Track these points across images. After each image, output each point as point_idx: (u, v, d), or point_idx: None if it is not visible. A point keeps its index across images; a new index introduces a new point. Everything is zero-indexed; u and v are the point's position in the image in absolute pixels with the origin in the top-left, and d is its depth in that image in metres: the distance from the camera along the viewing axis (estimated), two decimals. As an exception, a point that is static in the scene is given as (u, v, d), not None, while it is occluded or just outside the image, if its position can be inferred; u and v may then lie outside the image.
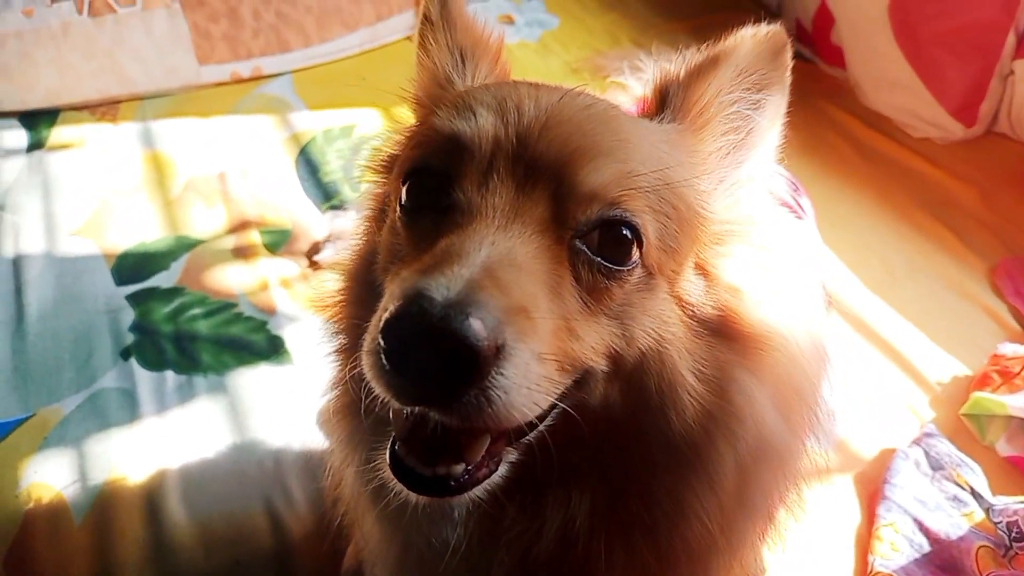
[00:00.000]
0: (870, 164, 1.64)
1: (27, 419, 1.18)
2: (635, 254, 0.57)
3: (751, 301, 0.63)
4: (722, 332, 0.62)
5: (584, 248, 0.57)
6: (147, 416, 1.18)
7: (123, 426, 1.17)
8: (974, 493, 1.04)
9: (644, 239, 0.58)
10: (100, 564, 1.02)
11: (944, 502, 1.04)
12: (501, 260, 0.52)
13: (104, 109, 1.77)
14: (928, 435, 1.11)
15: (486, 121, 0.59)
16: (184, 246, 1.45)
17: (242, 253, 1.44)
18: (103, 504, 1.08)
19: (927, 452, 1.09)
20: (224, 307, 1.34)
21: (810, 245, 1.04)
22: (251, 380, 1.22)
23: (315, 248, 1.46)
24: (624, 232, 0.57)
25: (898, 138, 1.70)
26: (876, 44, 1.70)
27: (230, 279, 1.39)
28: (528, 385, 0.50)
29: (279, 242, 1.46)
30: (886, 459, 1.11)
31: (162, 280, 1.39)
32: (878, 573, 0.98)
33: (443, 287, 0.48)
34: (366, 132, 1.71)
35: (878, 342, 1.29)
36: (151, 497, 1.08)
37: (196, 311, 1.33)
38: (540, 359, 0.51)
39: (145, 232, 1.48)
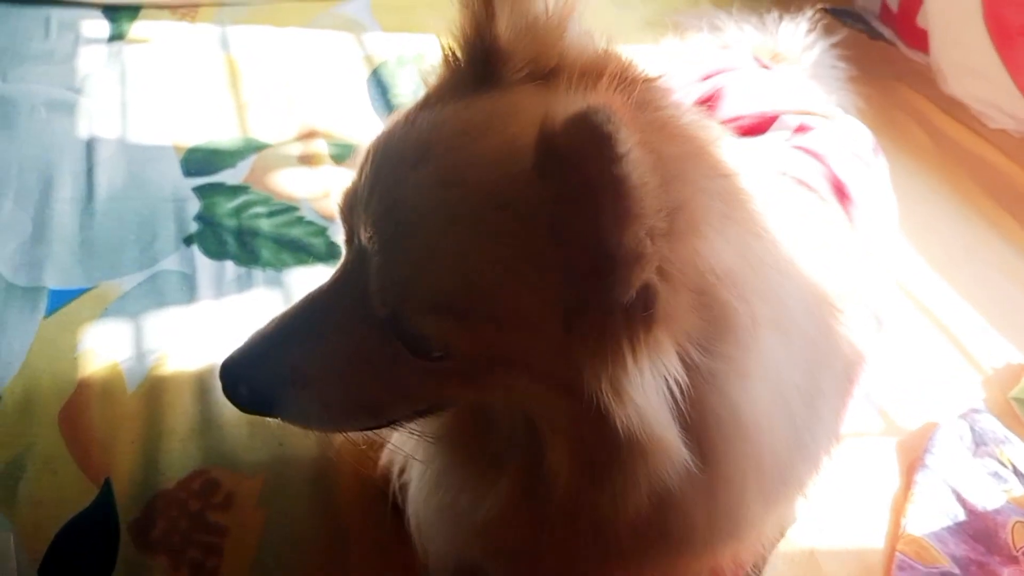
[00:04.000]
0: (943, 150, 1.62)
1: (89, 290, 1.22)
2: (434, 350, 0.55)
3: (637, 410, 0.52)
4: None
5: (393, 335, 0.56)
6: (204, 300, 1.21)
7: (181, 306, 1.20)
8: (1016, 470, 1.03)
9: (434, 341, 0.55)
10: (149, 429, 1.05)
11: (984, 476, 1.04)
12: (300, 332, 0.60)
13: (184, 10, 1.79)
14: (974, 411, 1.11)
15: (359, 173, 0.59)
16: (252, 147, 1.47)
17: (307, 160, 1.46)
18: (155, 376, 1.11)
19: (972, 427, 1.09)
20: (286, 209, 1.36)
21: (885, 201, 1.03)
22: (308, 278, 1.24)
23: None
24: (411, 333, 0.55)
25: (974, 127, 1.67)
26: (965, 29, 1.66)
27: (294, 183, 1.41)
28: (317, 417, 0.62)
29: (345, 155, 1.48)
30: (930, 431, 1.10)
31: (228, 177, 1.41)
32: (910, 536, 0.98)
33: (236, 357, 0.60)
34: (435, 61, 1.72)
35: (934, 320, 1.28)
36: (202, 375, 1.11)
37: (259, 209, 1.35)
38: (323, 405, 0.60)
39: (215, 130, 1.51)
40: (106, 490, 1.00)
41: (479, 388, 0.59)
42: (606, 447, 0.54)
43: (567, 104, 0.46)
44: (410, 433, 0.71)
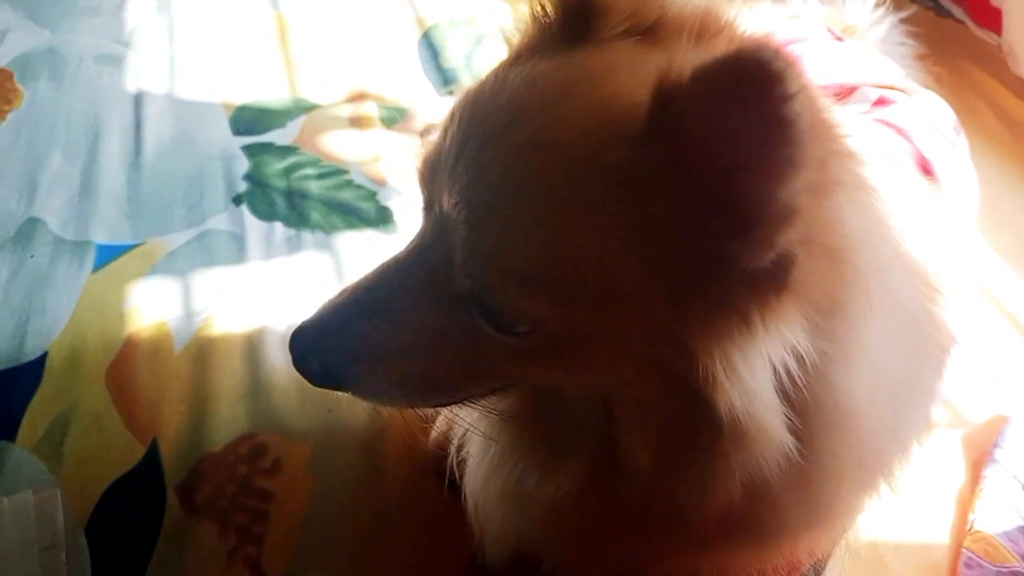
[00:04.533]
0: (1014, 135, 1.55)
1: (137, 246, 1.20)
2: (521, 325, 0.51)
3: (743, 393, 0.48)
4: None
5: (476, 309, 0.52)
6: (253, 261, 1.18)
7: (229, 266, 1.18)
8: (1093, 471, 0.99)
9: (521, 317, 0.51)
10: (196, 391, 1.03)
11: (1058, 475, 0.99)
12: (374, 305, 0.56)
13: (234, -35, 1.75)
14: (1049, 407, 1.06)
15: (443, 134, 0.54)
16: (302, 108, 1.44)
17: (357, 123, 1.42)
18: (204, 336, 1.09)
19: (1045, 423, 1.04)
20: (336, 172, 1.33)
21: (969, 181, 0.98)
22: (357, 242, 1.22)
23: (428, 129, 1.44)
24: (497, 307, 0.51)
25: (1048, 112, 1.60)
26: (1043, 9, 1.59)
27: (344, 146, 1.38)
28: (390, 394, 0.58)
29: (395, 118, 1.44)
30: (998, 425, 1.06)
31: (277, 137, 1.38)
32: (978, 532, 0.94)
33: (307, 328, 0.57)
34: (488, 25, 1.67)
35: (1002, 310, 1.23)
36: (251, 336, 1.09)
37: (309, 171, 1.33)
38: (397, 383, 0.57)
39: (264, 89, 1.48)
40: (153, 450, 0.98)
41: (565, 368, 0.55)
42: (700, 432, 0.51)
43: (689, 58, 0.42)
44: (476, 408, 0.68)
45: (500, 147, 0.51)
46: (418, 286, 0.55)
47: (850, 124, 0.59)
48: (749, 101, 0.39)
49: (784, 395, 0.50)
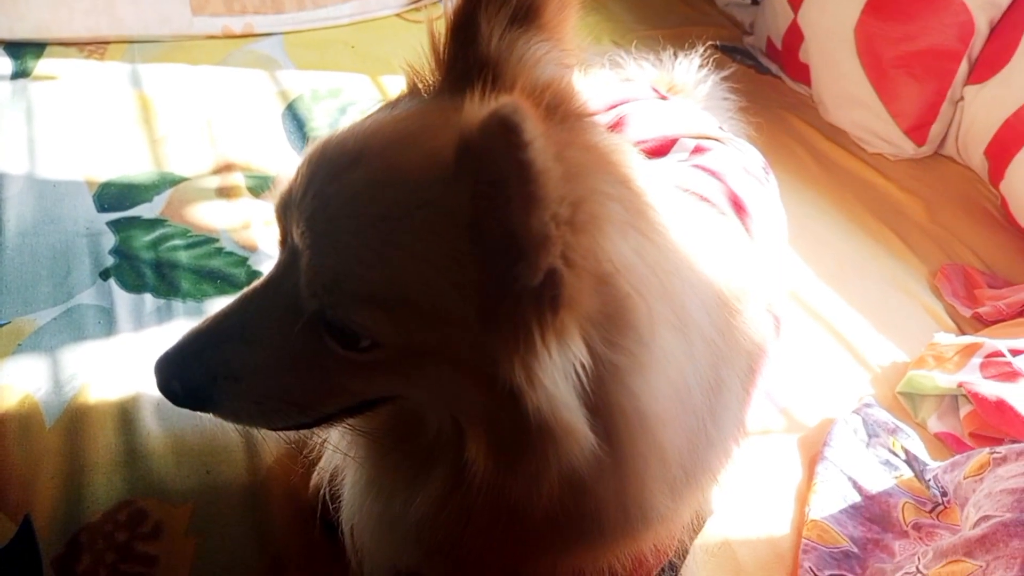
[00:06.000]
0: (828, 173, 1.75)
1: (1, 326, 1.19)
2: (362, 340, 0.59)
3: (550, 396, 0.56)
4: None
5: (322, 328, 0.60)
6: (123, 333, 1.20)
7: (99, 340, 1.18)
8: (909, 455, 1.13)
9: (361, 331, 0.59)
10: (70, 464, 1.03)
11: (877, 465, 1.13)
12: (233, 329, 0.63)
13: (92, 47, 1.77)
14: (867, 405, 1.20)
15: (295, 175, 0.62)
16: (168, 181, 1.47)
17: (225, 192, 1.46)
18: (75, 409, 1.09)
19: (865, 420, 1.18)
20: (206, 241, 1.36)
21: (777, 213, 1.12)
22: (230, 307, 1.24)
23: (278, 183, 1.49)
24: (340, 324, 0.59)
25: (854, 151, 1.81)
26: (841, 63, 1.82)
27: (213, 216, 1.41)
28: (248, 413, 0.65)
29: (262, 187, 1.49)
30: (827, 426, 1.19)
31: (144, 211, 1.41)
32: (812, 521, 1.05)
33: (170, 354, 0.64)
34: (352, 96, 1.76)
35: (826, 326, 1.38)
36: (124, 407, 1.10)
37: (177, 242, 1.35)
38: (256, 402, 0.64)
39: (129, 165, 1.50)
40: (26, 527, 0.98)
41: (406, 381, 0.63)
42: (518, 433, 0.58)
43: (480, 110, 0.51)
44: (343, 430, 0.74)
45: (342, 183, 0.59)
46: (273, 310, 0.62)
47: (667, 171, 0.69)
48: (499, 149, 0.48)
49: (588, 401, 0.58)
